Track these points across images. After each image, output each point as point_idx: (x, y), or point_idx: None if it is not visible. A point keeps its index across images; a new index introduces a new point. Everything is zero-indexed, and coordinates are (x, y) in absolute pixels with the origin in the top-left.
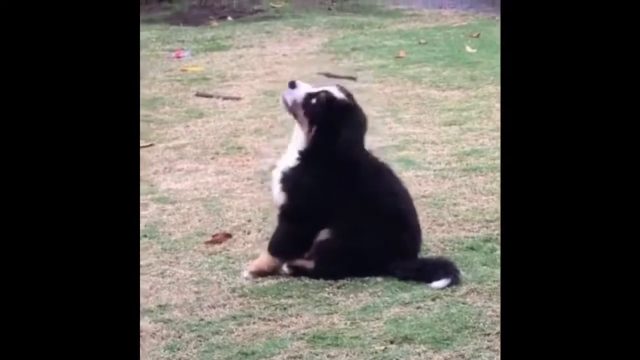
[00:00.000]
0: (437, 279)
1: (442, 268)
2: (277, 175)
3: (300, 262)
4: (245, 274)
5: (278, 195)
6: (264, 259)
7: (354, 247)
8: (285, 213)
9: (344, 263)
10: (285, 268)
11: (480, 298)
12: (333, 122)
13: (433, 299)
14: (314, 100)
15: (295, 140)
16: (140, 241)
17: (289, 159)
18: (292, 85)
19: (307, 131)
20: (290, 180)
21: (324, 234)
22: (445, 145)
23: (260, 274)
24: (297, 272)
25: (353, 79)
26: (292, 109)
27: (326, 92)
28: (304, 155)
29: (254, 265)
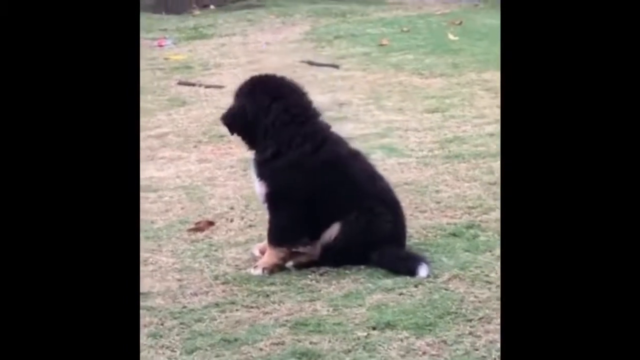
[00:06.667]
0: (418, 267)
1: (418, 258)
2: (253, 166)
3: (304, 258)
4: (257, 271)
5: (259, 186)
6: (271, 253)
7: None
8: (271, 200)
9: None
10: (291, 264)
11: (463, 284)
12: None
13: (415, 286)
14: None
15: None
16: None
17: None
18: None
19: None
20: (266, 168)
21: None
22: (428, 132)
23: (273, 269)
24: (302, 267)
25: (336, 66)
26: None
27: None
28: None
29: (263, 262)
